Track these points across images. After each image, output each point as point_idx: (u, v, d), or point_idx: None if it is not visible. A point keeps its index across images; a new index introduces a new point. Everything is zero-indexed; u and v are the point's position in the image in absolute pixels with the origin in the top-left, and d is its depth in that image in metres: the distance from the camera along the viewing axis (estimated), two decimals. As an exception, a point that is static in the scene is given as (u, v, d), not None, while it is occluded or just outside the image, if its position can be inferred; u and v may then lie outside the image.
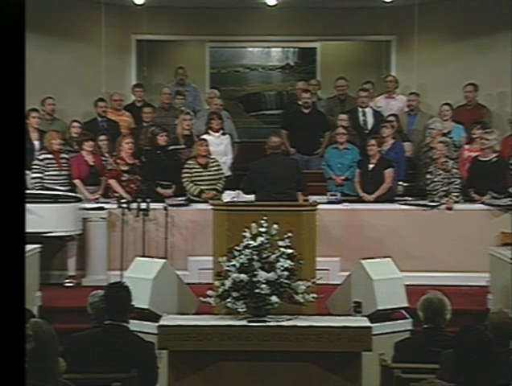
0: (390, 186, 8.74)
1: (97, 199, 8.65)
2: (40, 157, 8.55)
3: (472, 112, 9.79)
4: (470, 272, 7.99)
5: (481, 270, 7.03)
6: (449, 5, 10.79)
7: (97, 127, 9.66)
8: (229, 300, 5.27)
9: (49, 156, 8.60)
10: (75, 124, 9.33)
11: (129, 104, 10.53)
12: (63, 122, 9.86)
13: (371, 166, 8.77)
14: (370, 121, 9.95)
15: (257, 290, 5.16)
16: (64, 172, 8.69)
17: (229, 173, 9.27)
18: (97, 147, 8.97)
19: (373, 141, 8.77)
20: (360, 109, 9.99)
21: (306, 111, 9.89)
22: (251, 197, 7.21)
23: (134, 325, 4.83)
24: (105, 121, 9.88)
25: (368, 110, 10.01)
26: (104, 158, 8.97)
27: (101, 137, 9.12)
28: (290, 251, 5.35)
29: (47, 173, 8.55)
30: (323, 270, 6.66)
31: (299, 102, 10.15)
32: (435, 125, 9.34)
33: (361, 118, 9.98)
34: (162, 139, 8.90)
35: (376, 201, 8.63)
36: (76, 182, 8.72)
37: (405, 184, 9.05)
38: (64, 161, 8.74)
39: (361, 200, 8.75)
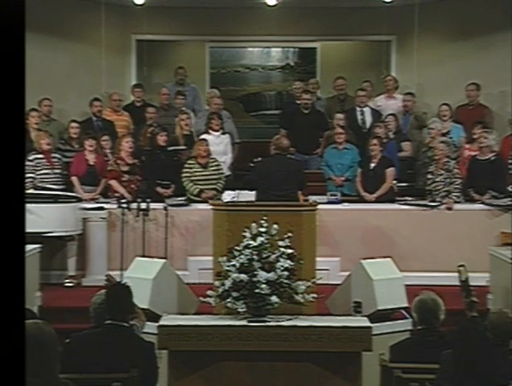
0: (391, 186, 8.75)
1: (93, 198, 8.66)
2: (30, 158, 8.50)
3: (474, 112, 9.79)
4: (470, 272, 7.95)
5: (481, 270, 7.02)
6: (449, 5, 10.79)
7: (92, 127, 9.65)
8: (229, 300, 5.27)
9: (39, 156, 8.60)
10: (73, 124, 9.33)
11: (128, 104, 10.53)
12: (60, 123, 9.88)
13: (373, 165, 8.78)
14: (369, 120, 9.96)
15: (257, 290, 5.17)
16: (56, 170, 8.70)
17: (228, 173, 9.28)
18: (99, 147, 8.98)
19: (375, 141, 8.79)
20: (358, 109, 9.99)
21: (305, 111, 9.90)
22: (252, 197, 7.21)
23: (134, 325, 4.82)
24: (100, 120, 9.89)
25: (366, 109, 10.02)
26: (107, 159, 8.97)
27: (104, 138, 9.14)
28: (290, 251, 5.35)
29: (38, 172, 8.55)
30: (323, 270, 6.67)
31: (298, 102, 10.18)
32: (434, 125, 9.34)
33: (360, 117, 9.99)
34: (162, 139, 8.91)
35: (376, 201, 8.64)
36: (73, 179, 8.76)
37: (399, 184, 9.01)
38: (55, 160, 8.76)
39: (361, 200, 8.75)
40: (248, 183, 7.29)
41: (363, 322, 5.35)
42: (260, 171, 7.16)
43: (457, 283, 4.26)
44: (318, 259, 6.28)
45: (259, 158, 8.15)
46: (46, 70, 10.22)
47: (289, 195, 6.95)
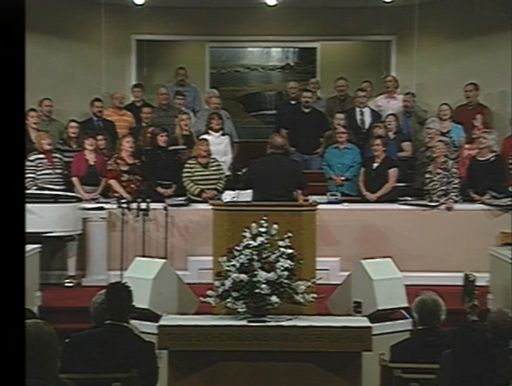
0: (393, 186, 8.75)
1: (93, 198, 8.66)
2: (31, 158, 8.49)
3: (473, 112, 9.78)
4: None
5: (481, 270, 7.03)
6: (449, 5, 10.79)
7: (93, 127, 9.65)
8: (229, 300, 5.27)
9: (40, 156, 8.59)
10: (72, 124, 9.31)
11: (129, 105, 10.53)
12: (60, 123, 9.87)
13: (375, 165, 8.80)
14: (368, 120, 9.96)
15: (257, 290, 5.17)
16: (57, 170, 8.70)
17: (228, 173, 9.28)
18: (97, 146, 8.97)
19: (378, 141, 8.82)
20: (357, 109, 10.00)
21: (306, 110, 9.90)
22: (249, 197, 7.18)
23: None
24: (100, 120, 9.88)
25: (366, 110, 10.03)
26: (106, 158, 8.97)
27: (99, 137, 9.11)
28: (290, 251, 5.35)
29: (39, 172, 8.54)
30: (323, 270, 6.67)
31: (292, 102, 10.16)
32: (433, 124, 9.34)
33: (359, 118, 9.99)
34: (162, 139, 8.91)
35: (376, 201, 8.65)
36: (74, 179, 8.75)
37: (398, 184, 8.99)
38: (56, 160, 8.75)
39: (360, 200, 8.75)
40: (244, 183, 7.22)
41: (363, 322, 5.35)
42: (255, 171, 7.05)
43: (457, 283, 4.26)
44: (318, 259, 6.28)
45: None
46: (46, 70, 10.22)
47: (285, 194, 6.82)
